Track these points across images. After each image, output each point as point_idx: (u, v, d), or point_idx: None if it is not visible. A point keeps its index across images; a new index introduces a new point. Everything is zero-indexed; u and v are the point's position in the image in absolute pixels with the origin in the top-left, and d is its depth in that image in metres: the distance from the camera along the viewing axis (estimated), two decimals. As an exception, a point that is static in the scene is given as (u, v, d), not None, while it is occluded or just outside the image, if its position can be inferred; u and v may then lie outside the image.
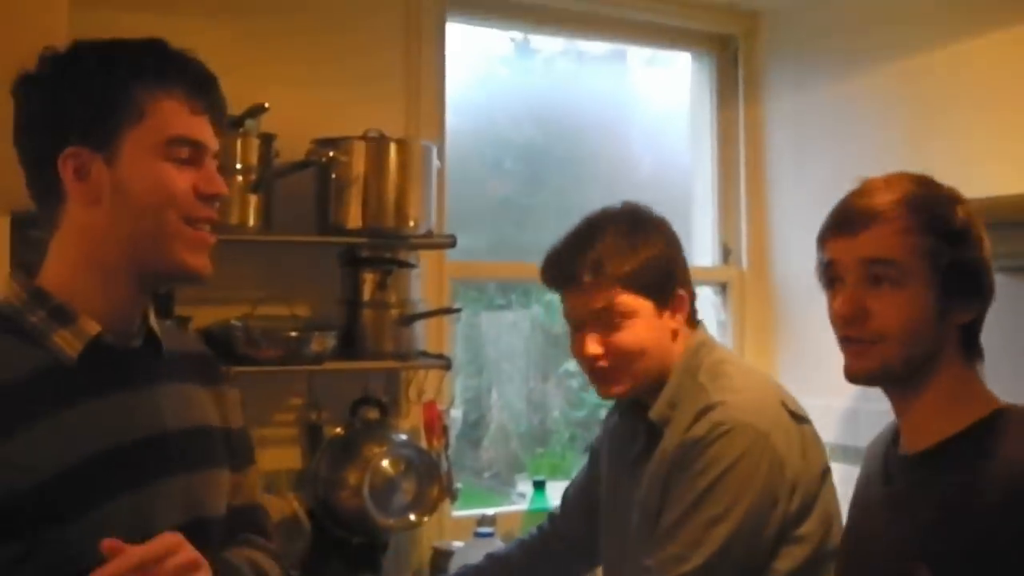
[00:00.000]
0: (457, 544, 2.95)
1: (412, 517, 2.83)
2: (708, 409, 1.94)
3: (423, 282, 2.98)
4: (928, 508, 1.54)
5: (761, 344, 3.69)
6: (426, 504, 2.84)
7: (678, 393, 2.01)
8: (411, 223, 2.82)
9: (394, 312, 2.84)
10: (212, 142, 1.52)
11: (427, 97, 3.15)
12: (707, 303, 3.83)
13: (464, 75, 3.56)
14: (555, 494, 3.14)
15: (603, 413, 4.57)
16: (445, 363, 2.94)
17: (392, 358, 2.85)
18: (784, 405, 1.99)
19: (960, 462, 1.53)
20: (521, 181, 4.06)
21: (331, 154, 2.75)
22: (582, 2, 3.50)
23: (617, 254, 2.00)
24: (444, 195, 3.13)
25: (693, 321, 2.12)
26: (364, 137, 2.79)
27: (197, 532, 1.43)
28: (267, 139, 2.72)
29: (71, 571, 1.33)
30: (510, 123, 3.96)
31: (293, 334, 2.69)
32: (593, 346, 2.02)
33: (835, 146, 3.48)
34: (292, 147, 2.78)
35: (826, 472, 1.99)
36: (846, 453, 3.20)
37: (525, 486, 3.48)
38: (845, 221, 1.61)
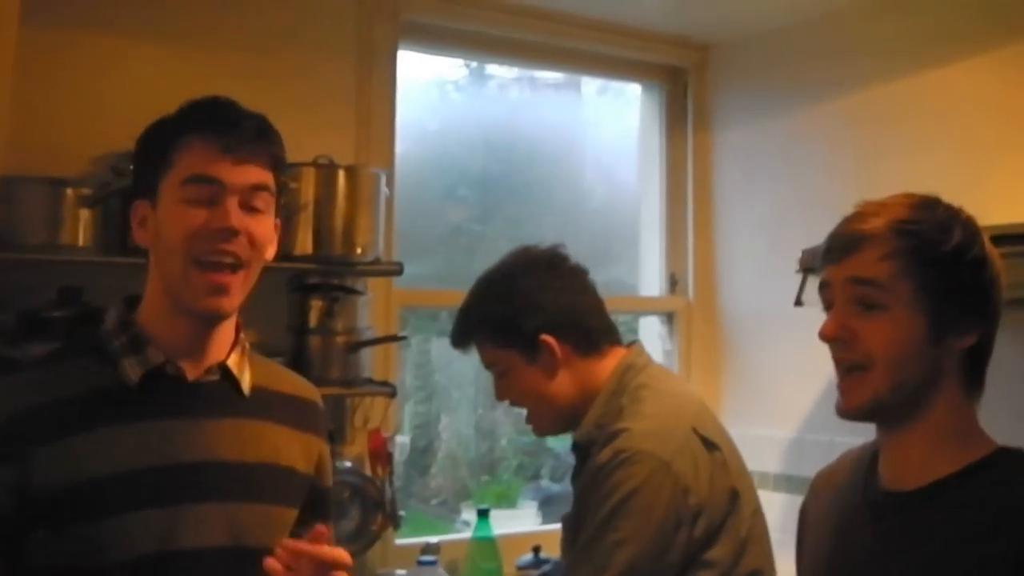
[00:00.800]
0: (400, 572, 2.94)
1: (356, 545, 2.82)
2: (614, 436, 1.99)
3: (371, 309, 2.98)
4: (934, 547, 1.50)
5: (707, 374, 3.71)
6: (370, 532, 2.84)
7: (604, 414, 2.07)
8: (359, 250, 2.82)
9: (341, 339, 2.83)
10: (235, 179, 1.58)
11: (378, 124, 3.16)
12: (653, 333, 3.86)
13: (418, 100, 3.57)
14: (500, 523, 3.15)
15: (551, 442, 4.61)
16: (391, 390, 2.93)
17: (338, 385, 2.84)
18: (696, 431, 2.02)
19: (971, 501, 1.49)
20: (473, 209, 4.07)
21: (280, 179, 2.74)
22: (535, 32, 3.53)
23: (476, 315, 2.18)
24: (393, 222, 3.13)
25: (591, 350, 2.14)
26: (314, 163, 2.79)
27: (237, 559, 1.59)
28: (215, 163, 2.71)
29: (89, 565, 1.51)
30: (463, 150, 3.97)
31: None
32: (496, 392, 2.22)
33: (781, 178, 3.53)
34: (241, 172, 2.77)
35: (734, 497, 2.01)
36: (790, 482, 3.23)
37: (470, 514, 3.47)
38: (834, 247, 1.59)
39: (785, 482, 3.26)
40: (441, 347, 4.68)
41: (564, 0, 3.44)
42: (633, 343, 2.22)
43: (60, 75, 2.72)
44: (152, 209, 1.61)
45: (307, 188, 2.76)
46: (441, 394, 4.72)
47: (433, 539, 3.02)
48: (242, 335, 1.71)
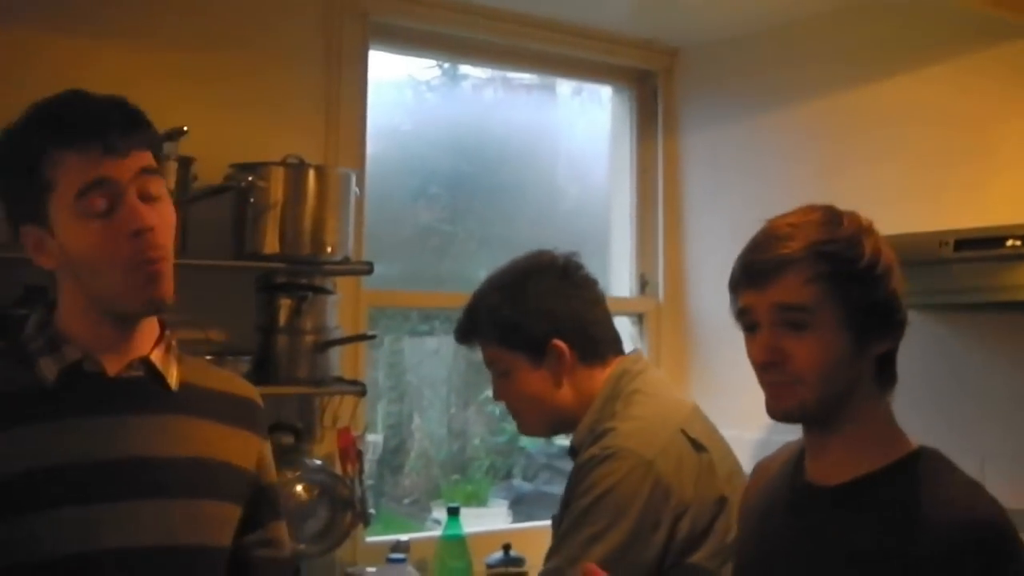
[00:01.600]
0: (370, 570, 2.95)
1: (325, 543, 2.83)
2: (601, 434, 2.04)
3: (340, 309, 2.99)
4: (853, 546, 1.55)
5: (676, 375, 3.74)
6: (339, 530, 2.85)
7: (598, 420, 2.10)
8: (328, 250, 2.83)
9: (309, 338, 2.84)
10: (125, 172, 1.53)
11: (347, 124, 3.17)
12: (624, 334, 3.88)
13: (390, 100, 3.58)
14: (470, 521, 3.17)
15: (523, 441, 4.62)
16: (360, 389, 2.95)
17: (306, 384, 2.85)
18: (684, 432, 2.05)
19: (887, 502, 1.54)
20: (444, 209, 4.08)
21: (249, 179, 2.75)
22: (506, 35, 3.55)
23: (486, 314, 2.18)
24: (363, 222, 3.15)
25: (592, 359, 2.18)
26: (283, 163, 2.80)
27: (169, 558, 1.56)
28: (185, 162, 2.72)
29: (10, 565, 1.47)
30: (434, 150, 3.98)
31: (207, 358, 2.68)
32: (493, 392, 2.24)
33: (750, 180, 3.56)
34: (210, 171, 2.79)
35: (721, 501, 2.03)
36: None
37: (441, 513, 3.49)
38: (755, 273, 1.62)
39: (752, 481, 3.29)
40: (413, 347, 4.69)
41: (534, 3, 3.46)
42: (633, 351, 2.25)
43: (24, 76, 2.71)
44: (47, 232, 1.55)
45: (276, 188, 2.77)
46: (413, 394, 4.73)
47: (403, 537, 3.04)
48: (168, 332, 1.68)
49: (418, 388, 4.76)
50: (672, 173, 3.85)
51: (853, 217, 1.65)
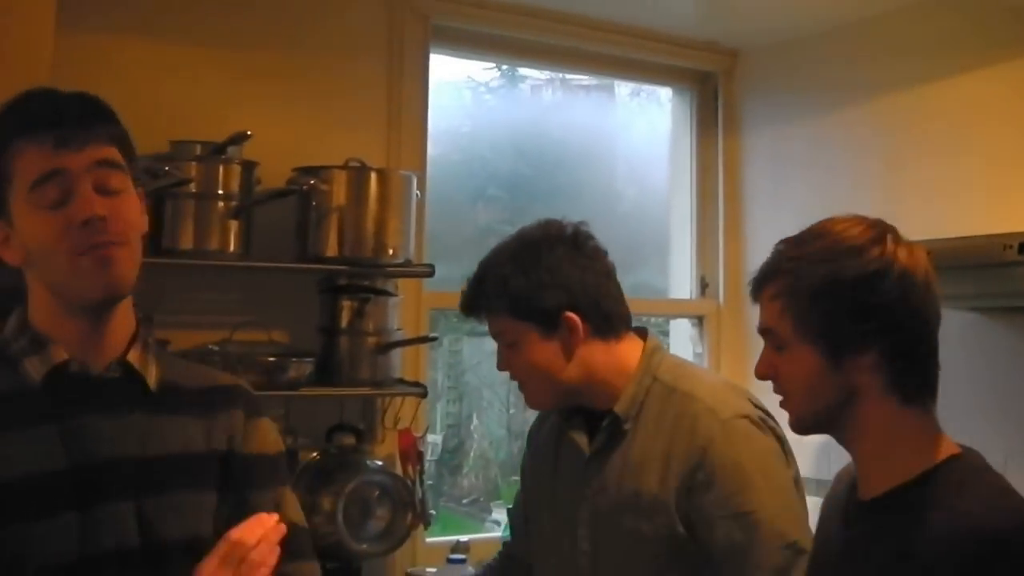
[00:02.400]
0: (430, 570, 2.97)
1: (386, 543, 2.85)
2: (709, 412, 2.02)
3: (401, 310, 3.01)
4: (879, 557, 1.56)
5: (736, 378, 3.69)
6: (400, 530, 2.86)
7: (638, 392, 2.09)
8: (390, 252, 2.85)
9: (371, 340, 2.86)
10: (78, 162, 1.52)
11: (409, 127, 3.19)
12: (683, 335, 3.87)
13: (449, 102, 3.60)
14: (529, 522, 3.17)
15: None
16: (421, 391, 2.97)
17: (368, 385, 2.88)
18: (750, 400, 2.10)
19: (910, 513, 1.53)
20: (503, 211, 4.09)
21: (312, 182, 2.78)
22: (566, 37, 3.55)
23: (497, 284, 2.10)
24: (424, 225, 3.16)
25: (609, 333, 2.14)
26: (345, 166, 2.82)
27: (156, 555, 1.53)
28: (249, 166, 2.76)
29: (19, 572, 1.44)
30: (494, 152, 3.99)
31: (271, 359, 2.72)
32: (499, 363, 2.17)
33: (811, 181, 3.54)
34: (274, 175, 2.82)
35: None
36: (819, 487, 3.22)
37: (501, 513, 3.50)
38: (751, 288, 1.68)
39: (814, 485, 3.25)
40: (472, 348, 4.70)
41: (595, 5, 3.46)
42: (646, 330, 2.23)
43: (96, 80, 2.74)
44: (9, 226, 1.55)
45: (338, 191, 2.80)
46: (472, 394, 4.75)
47: (463, 538, 3.05)
48: (143, 330, 1.65)
49: (477, 389, 4.77)
50: (732, 174, 3.83)
51: (853, 230, 1.61)
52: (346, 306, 2.87)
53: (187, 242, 2.67)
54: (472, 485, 4.66)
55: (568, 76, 4.03)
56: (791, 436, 1.78)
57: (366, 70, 3.15)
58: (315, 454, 2.89)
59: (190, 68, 2.90)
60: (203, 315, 2.82)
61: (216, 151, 2.69)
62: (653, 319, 3.85)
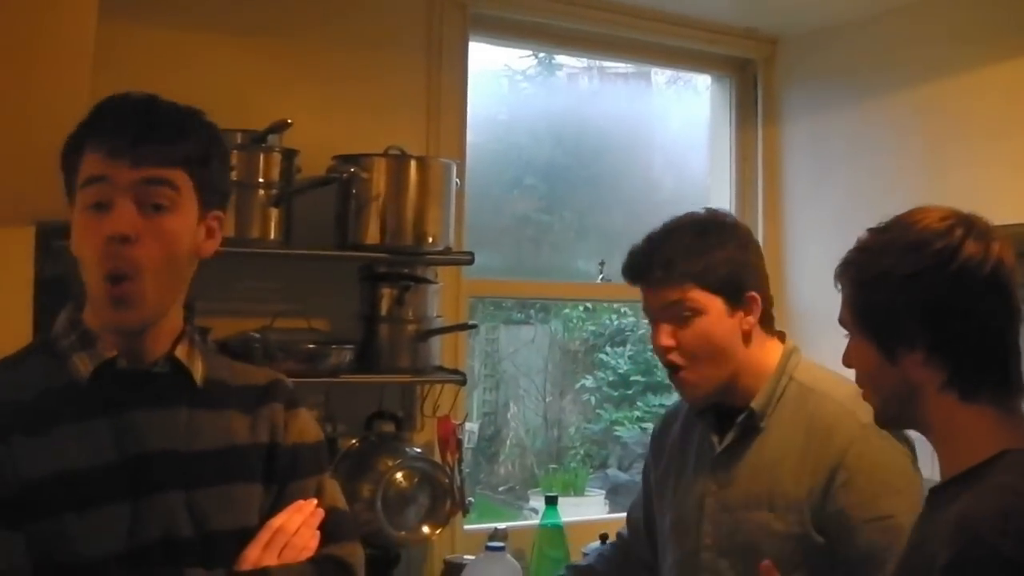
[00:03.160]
0: (468, 558, 2.97)
1: (424, 530, 2.86)
2: (849, 415, 2.02)
3: (440, 298, 3.02)
4: (922, 551, 1.54)
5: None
6: (438, 517, 2.87)
7: (776, 390, 2.10)
8: (429, 240, 2.85)
9: (411, 327, 2.87)
10: (123, 176, 1.53)
11: (448, 115, 3.19)
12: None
13: (486, 90, 3.60)
14: (566, 510, 3.18)
15: (618, 431, 4.62)
16: (460, 378, 2.97)
17: (408, 373, 2.88)
18: None
19: (948, 508, 1.52)
20: (541, 199, 4.10)
21: (352, 170, 2.79)
22: (604, 24, 3.53)
23: (687, 253, 2.08)
24: (463, 212, 3.16)
25: (771, 327, 2.17)
26: (385, 154, 2.83)
27: (207, 546, 1.57)
28: (289, 155, 2.77)
29: (66, 562, 1.48)
30: (531, 140, 3.99)
31: (311, 347, 2.73)
32: (665, 338, 2.10)
33: (853, 169, 3.51)
34: (314, 163, 2.83)
35: None
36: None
37: (538, 501, 3.50)
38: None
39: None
40: (509, 335, 4.71)
41: (633, -8, 3.44)
42: (783, 332, 2.23)
43: (138, 71, 2.76)
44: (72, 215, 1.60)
45: (378, 179, 2.80)
46: (509, 383, 4.76)
47: (501, 525, 3.05)
48: (189, 327, 1.68)
49: (514, 377, 4.78)
50: (772, 162, 3.81)
51: (915, 224, 1.61)
52: (386, 294, 2.87)
53: (228, 230, 2.65)
54: (508, 473, 4.68)
55: (605, 64, 4.02)
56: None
57: (405, 58, 3.15)
58: (354, 441, 2.90)
59: (231, 58, 2.91)
60: (244, 303, 2.83)
61: (257, 140, 2.70)
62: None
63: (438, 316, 2.97)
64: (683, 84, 4.19)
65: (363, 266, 2.92)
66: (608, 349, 4.71)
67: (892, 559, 1.80)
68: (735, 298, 2.08)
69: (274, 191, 2.71)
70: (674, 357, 2.11)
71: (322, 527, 1.69)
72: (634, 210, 3.85)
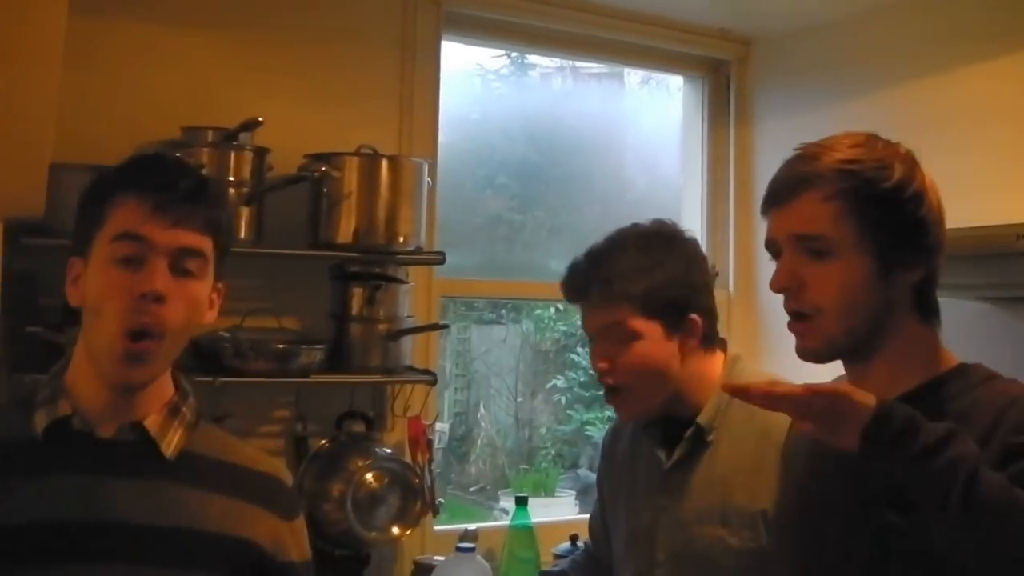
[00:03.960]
0: (439, 558, 2.96)
1: (395, 531, 2.85)
2: None
3: (412, 298, 3.00)
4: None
5: (747, 367, 3.71)
6: (409, 518, 2.86)
7: (721, 402, 2.03)
8: (401, 239, 2.84)
9: (382, 327, 2.86)
10: (163, 240, 1.53)
11: (420, 114, 3.18)
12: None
13: (459, 89, 3.59)
14: (537, 511, 3.17)
15: (589, 431, 4.62)
16: (431, 378, 2.96)
17: (379, 372, 2.87)
18: None
19: (926, 414, 1.43)
20: (513, 199, 4.09)
21: (323, 169, 2.77)
22: (577, 24, 3.53)
23: (628, 273, 2.01)
24: (435, 212, 3.15)
25: (710, 343, 2.10)
26: (357, 153, 2.81)
27: None
28: (260, 153, 2.75)
29: None
30: (504, 139, 3.98)
31: (281, 346, 2.72)
32: (600, 360, 2.06)
33: (824, 172, 3.52)
34: (285, 161, 2.81)
35: None
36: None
37: (509, 502, 3.49)
38: (776, 191, 1.62)
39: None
40: (480, 335, 4.71)
41: (606, -8, 3.44)
42: (725, 341, 2.17)
43: (107, 64, 2.75)
44: (84, 267, 1.57)
45: (350, 178, 2.79)
46: (480, 383, 4.75)
47: (471, 526, 3.04)
48: (178, 398, 1.65)
49: (485, 377, 4.78)
50: (744, 163, 3.81)
51: (894, 144, 1.62)
52: (357, 293, 2.86)
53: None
54: (479, 473, 4.67)
55: (578, 64, 4.01)
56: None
57: (378, 56, 3.14)
58: (325, 441, 2.89)
59: (202, 54, 2.89)
60: (214, 301, 2.82)
61: (228, 138, 2.68)
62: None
63: (409, 316, 2.96)
64: (656, 84, 4.19)
65: (334, 265, 2.91)
66: (579, 349, 4.71)
67: None
68: (675, 322, 2.02)
69: (245, 189, 2.69)
70: (609, 379, 2.06)
71: None
72: (606, 210, 3.85)
